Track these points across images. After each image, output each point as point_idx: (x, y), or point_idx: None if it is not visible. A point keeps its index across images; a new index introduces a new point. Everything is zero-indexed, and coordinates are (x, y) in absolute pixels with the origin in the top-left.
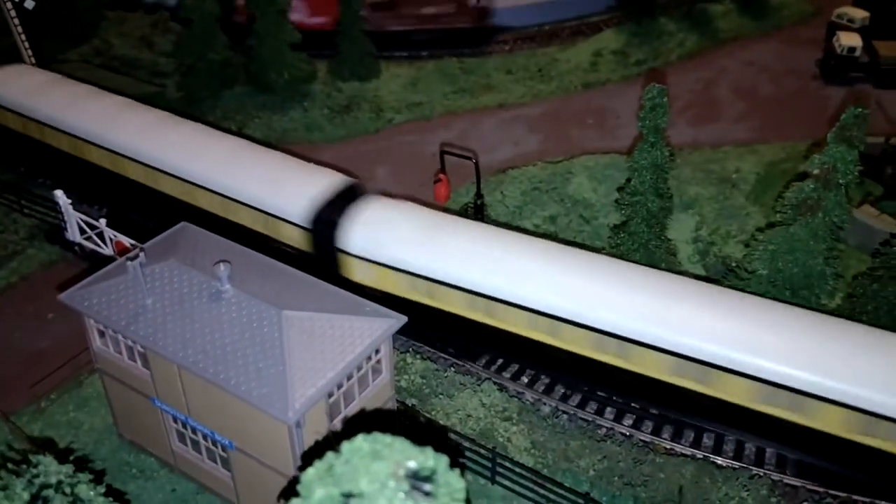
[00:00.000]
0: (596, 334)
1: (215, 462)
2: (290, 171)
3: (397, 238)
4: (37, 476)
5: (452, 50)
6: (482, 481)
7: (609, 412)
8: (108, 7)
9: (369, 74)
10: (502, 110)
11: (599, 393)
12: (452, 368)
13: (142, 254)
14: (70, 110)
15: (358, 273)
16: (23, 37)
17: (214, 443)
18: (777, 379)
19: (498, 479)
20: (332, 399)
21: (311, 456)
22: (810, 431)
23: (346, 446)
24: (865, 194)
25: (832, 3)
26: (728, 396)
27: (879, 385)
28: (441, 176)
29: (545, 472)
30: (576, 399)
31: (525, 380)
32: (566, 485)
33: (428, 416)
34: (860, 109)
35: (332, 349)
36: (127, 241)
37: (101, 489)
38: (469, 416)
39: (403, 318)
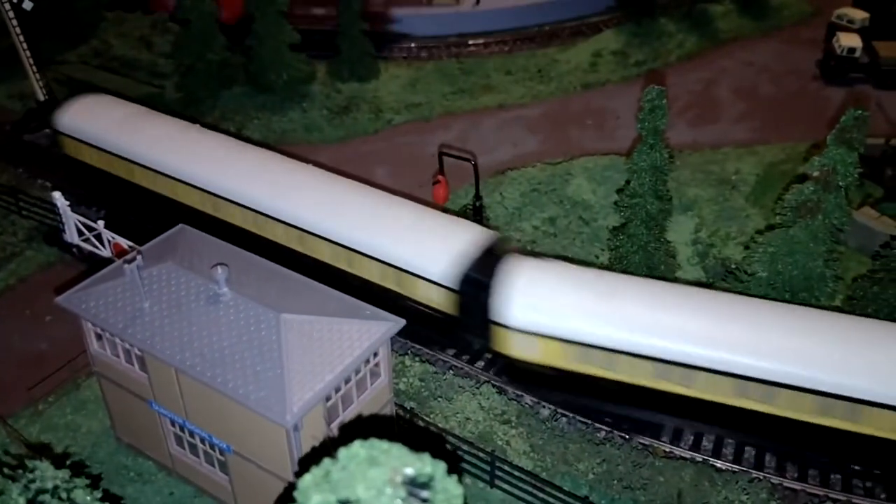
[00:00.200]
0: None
1: (213, 465)
2: (423, 221)
3: (565, 306)
4: (33, 481)
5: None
6: (481, 485)
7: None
8: (106, 8)
9: (368, 75)
10: (501, 111)
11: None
12: (451, 371)
13: (139, 256)
14: (166, 148)
15: (516, 346)
16: (21, 38)
17: (212, 446)
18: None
19: (497, 482)
20: (330, 402)
21: (308, 461)
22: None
23: (342, 452)
24: (865, 196)
25: (832, 4)
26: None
27: None
28: (440, 177)
29: (544, 475)
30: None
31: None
32: (565, 488)
33: (426, 419)
34: (860, 111)
35: (331, 352)
36: (125, 242)
37: (98, 494)
38: (468, 419)
39: (402, 321)
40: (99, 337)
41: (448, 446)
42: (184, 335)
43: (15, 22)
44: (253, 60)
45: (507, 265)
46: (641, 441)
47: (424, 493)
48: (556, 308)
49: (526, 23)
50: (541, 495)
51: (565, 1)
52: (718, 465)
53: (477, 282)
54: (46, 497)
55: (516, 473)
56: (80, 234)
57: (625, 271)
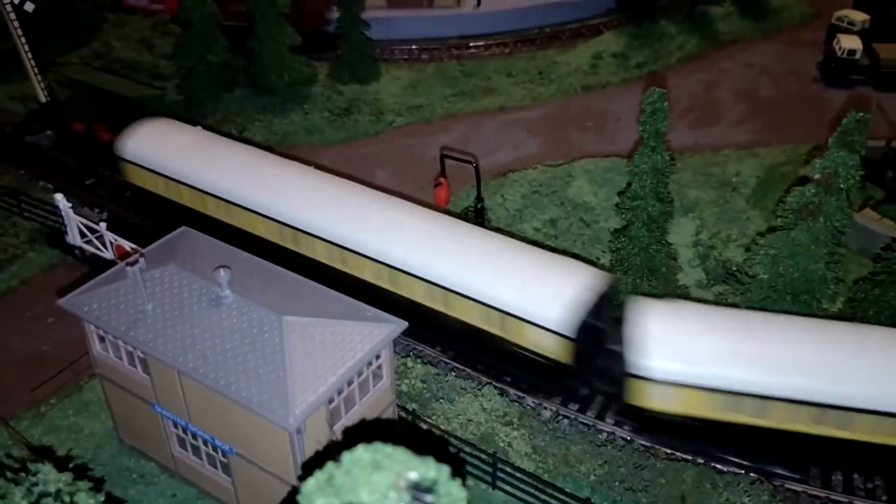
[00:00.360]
0: None
1: (216, 467)
2: (531, 261)
3: (709, 352)
4: (36, 484)
5: None
6: (483, 486)
7: (609, 417)
8: (107, 10)
9: (369, 77)
10: (502, 113)
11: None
12: (453, 373)
13: (142, 259)
14: (241, 177)
15: (656, 398)
16: (23, 39)
17: (215, 448)
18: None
19: (499, 484)
20: (332, 405)
21: (311, 464)
22: None
23: (346, 456)
24: (866, 198)
25: (832, 6)
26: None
27: None
28: (441, 180)
29: (546, 477)
30: (576, 404)
31: (525, 385)
32: (567, 490)
33: (428, 420)
34: (861, 114)
35: (333, 354)
36: (127, 244)
37: (101, 497)
38: (470, 420)
39: (404, 324)
40: (101, 339)
41: (451, 448)
42: (186, 337)
43: (16, 23)
44: (253, 62)
45: (635, 311)
46: (643, 443)
47: (429, 497)
48: (700, 355)
49: (526, 25)
50: (542, 497)
51: (566, 3)
52: (720, 468)
53: (598, 330)
54: (49, 500)
55: (518, 475)
56: (83, 235)
57: (625, 273)
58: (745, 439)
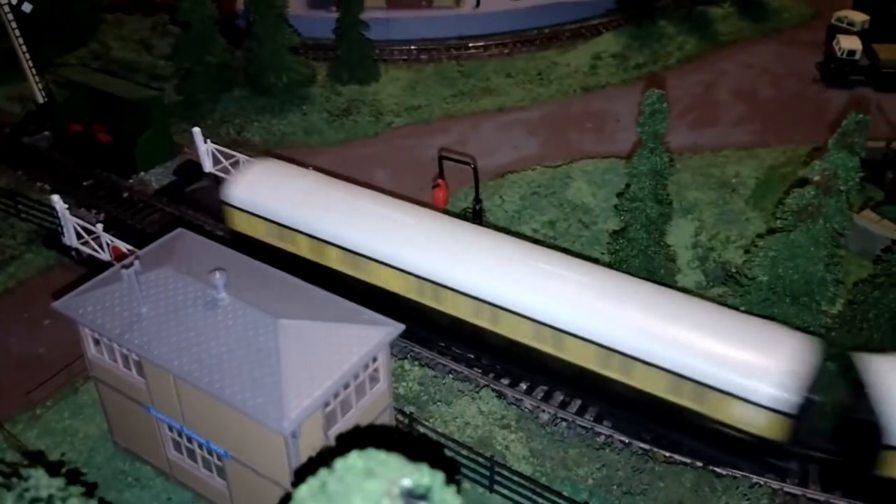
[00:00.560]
0: None
1: (211, 471)
2: (731, 327)
3: None
4: (27, 490)
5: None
6: (480, 490)
7: (607, 420)
8: (106, 10)
9: (368, 78)
10: (501, 114)
11: None
12: (451, 375)
13: (137, 261)
14: (370, 228)
15: None
16: (20, 40)
17: (210, 452)
18: None
19: (496, 487)
20: (328, 409)
21: (306, 469)
22: None
23: (339, 463)
24: (866, 199)
25: (832, 6)
26: None
27: None
28: (439, 181)
29: (543, 480)
30: (574, 406)
31: (523, 387)
32: (565, 493)
33: (426, 423)
34: (861, 115)
35: (329, 358)
36: (124, 246)
37: (93, 502)
38: (467, 423)
39: (401, 326)
40: (97, 342)
41: (447, 452)
42: (181, 340)
43: (14, 24)
44: (252, 63)
45: (874, 373)
46: (641, 446)
47: None
48: None
49: (526, 25)
50: (540, 500)
51: (565, 3)
52: (718, 471)
53: (821, 405)
54: None
55: (515, 478)
56: (79, 237)
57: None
58: None
